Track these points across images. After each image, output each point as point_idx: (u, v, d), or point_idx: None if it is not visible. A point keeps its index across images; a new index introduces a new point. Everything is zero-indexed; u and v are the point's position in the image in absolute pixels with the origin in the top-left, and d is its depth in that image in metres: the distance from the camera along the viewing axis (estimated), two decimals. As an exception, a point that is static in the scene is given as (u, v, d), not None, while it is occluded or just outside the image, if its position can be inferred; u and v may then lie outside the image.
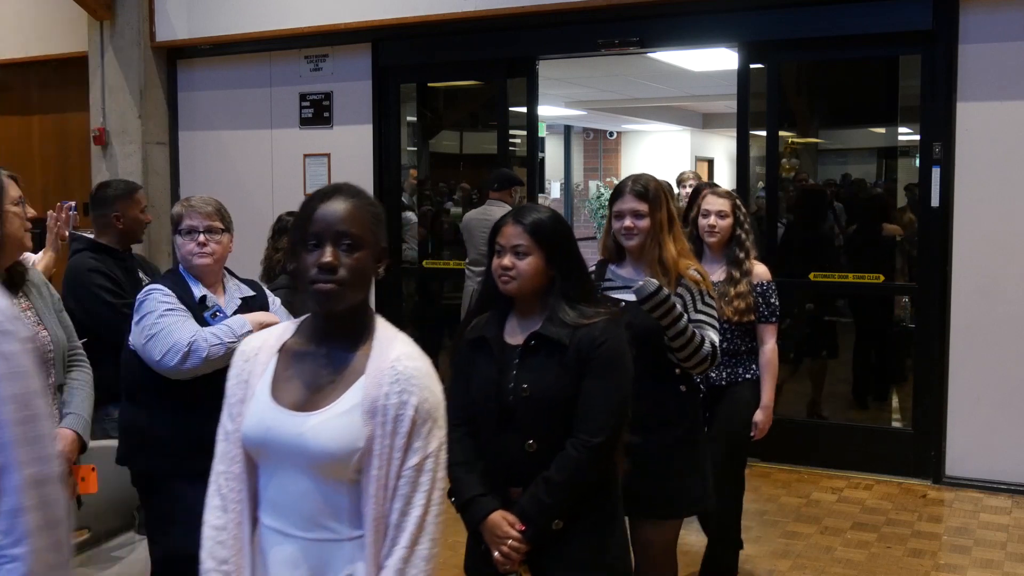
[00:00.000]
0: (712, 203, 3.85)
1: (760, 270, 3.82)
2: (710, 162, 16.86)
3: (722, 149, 16.65)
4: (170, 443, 2.80)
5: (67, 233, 3.94)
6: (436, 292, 7.49)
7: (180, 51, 7.46)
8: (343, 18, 6.68)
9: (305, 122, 7.09)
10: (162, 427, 2.85)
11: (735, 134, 6.09)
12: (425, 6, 6.40)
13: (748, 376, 3.81)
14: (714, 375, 3.74)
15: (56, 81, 8.03)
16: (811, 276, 5.85)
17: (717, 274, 3.79)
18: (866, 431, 5.83)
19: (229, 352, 2.83)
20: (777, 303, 3.82)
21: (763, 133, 5.90)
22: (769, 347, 3.78)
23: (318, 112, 7.03)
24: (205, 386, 2.84)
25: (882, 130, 6.81)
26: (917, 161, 5.54)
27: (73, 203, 4.26)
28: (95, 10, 7.27)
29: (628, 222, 2.93)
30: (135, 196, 3.86)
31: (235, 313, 2.97)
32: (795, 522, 4.84)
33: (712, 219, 3.82)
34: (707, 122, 15.94)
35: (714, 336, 2.89)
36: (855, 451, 5.62)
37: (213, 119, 7.46)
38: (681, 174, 7.09)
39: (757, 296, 3.76)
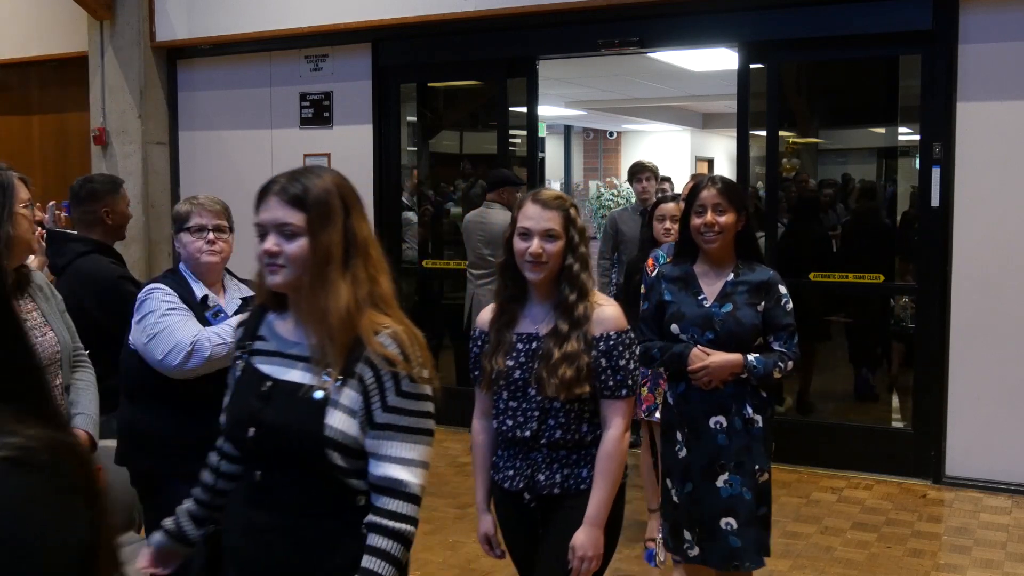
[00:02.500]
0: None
1: (607, 315, 2.49)
2: (710, 162, 16.86)
3: (722, 149, 16.65)
4: (170, 443, 2.80)
5: (44, 232, 3.75)
6: (436, 292, 7.49)
7: (180, 51, 7.46)
8: (343, 18, 6.68)
9: (305, 122, 7.09)
10: (162, 427, 2.85)
11: (735, 134, 6.09)
12: (425, 6, 6.40)
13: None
14: (543, 477, 2.49)
15: (56, 81, 8.03)
16: (811, 276, 5.85)
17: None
18: (866, 431, 5.83)
19: (231, 352, 2.83)
20: (635, 367, 2.53)
21: (763, 133, 5.90)
22: (613, 434, 2.46)
23: (318, 112, 7.03)
24: (206, 386, 2.84)
25: (882, 130, 6.81)
26: (917, 161, 5.54)
27: (53, 203, 4.17)
28: (95, 10, 7.27)
29: (271, 243, 1.90)
30: (121, 190, 3.82)
31: (236, 313, 2.97)
32: (795, 522, 4.84)
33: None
34: (707, 122, 15.94)
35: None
36: (855, 451, 5.62)
37: (213, 119, 7.46)
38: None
39: (599, 357, 2.45)
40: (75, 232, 3.76)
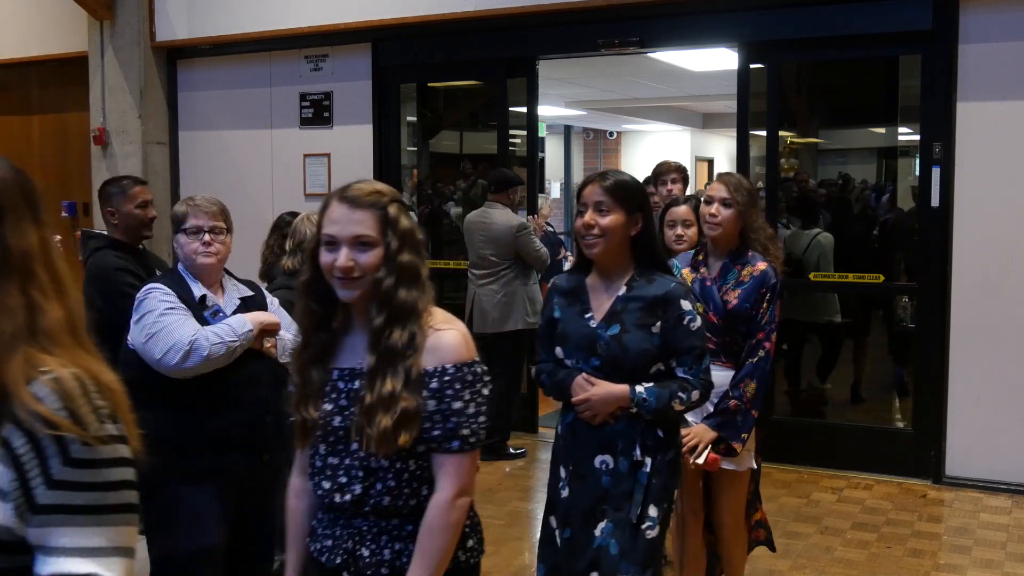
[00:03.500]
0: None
1: (444, 342, 1.95)
2: (710, 162, 16.85)
3: (722, 149, 16.64)
4: (168, 442, 2.79)
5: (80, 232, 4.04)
6: (436, 292, 7.48)
7: (180, 51, 7.46)
8: (343, 18, 6.68)
9: (305, 122, 7.09)
10: (161, 426, 2.83)
11: (735, 134, 6.09)
12: (425, 6, 6.40)
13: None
14: (367, 552, 1.93)
15: (56, 81, 8.03)
16: (811, 276, 5.85)
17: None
18: (866, 431, 5.83)
19: (230, 351, 2.83)
20: (478, 410, 1.92)
21: (763, 133, 5.90)
22: (438, 499, 1.90)
23: (318, 112, 7.03)
24: (205, 385, 2.84)
25: (882, 130, 6.81)
26: (917, 161, 5.54)
27: (58, 237, 4.34)
28: (95, 10, 7.27)
29: None
30: (130, 192, 3.86)
31: (234, 313, 2.97)
32: (795, 522, 4.84)
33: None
34: (707, 122, 15.92)
35: None
36: (855, 451, 5.62)
37: (213, 119, 7.46)
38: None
39: (428, 398, 1.89)
40: (96, 231, 3.98)
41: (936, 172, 5.36)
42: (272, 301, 3.16)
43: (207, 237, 2.93)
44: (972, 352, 5.30)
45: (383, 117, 6.90)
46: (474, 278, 6.06)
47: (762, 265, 3.25)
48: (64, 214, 7.80)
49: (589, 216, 2.58)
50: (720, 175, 3.51)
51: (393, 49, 6.76)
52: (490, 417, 1.98)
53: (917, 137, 5.52)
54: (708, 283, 3.29)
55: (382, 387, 1.85)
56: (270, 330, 2.97)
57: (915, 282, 5.65)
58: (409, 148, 7.37)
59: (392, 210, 1.96)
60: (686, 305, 2.59)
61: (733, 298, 3.23)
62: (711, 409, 3.14)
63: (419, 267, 1.98)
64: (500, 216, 5.88)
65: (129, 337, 2.89)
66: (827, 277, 5.83)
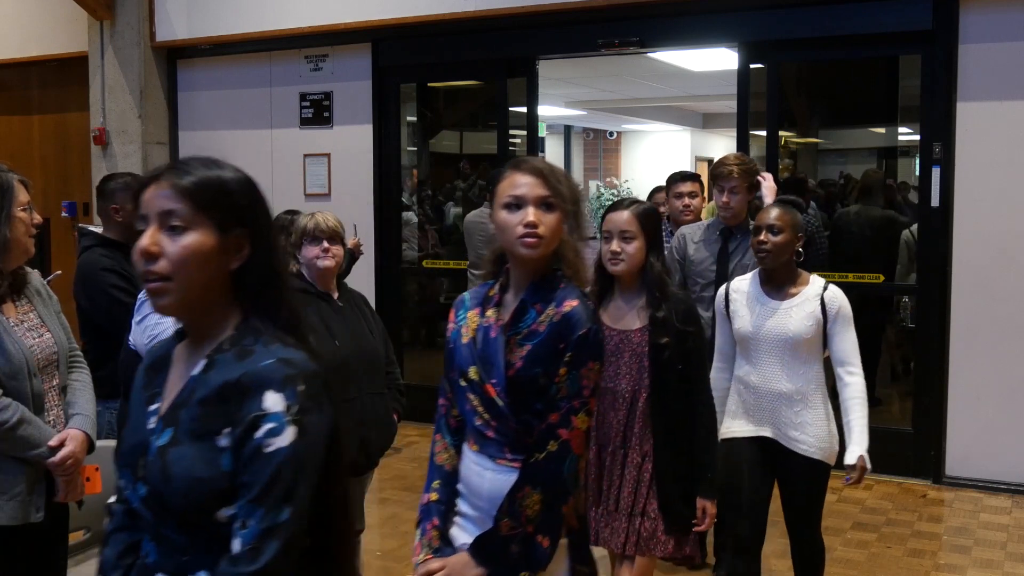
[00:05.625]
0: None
1: None
2: (710, 162, 16.86)
3: (722, 149, 16.65)
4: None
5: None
6: (436, 292, 7.49)
7: (180, 51, 7.47)
8: (343, 18, 6.68)
9: (305, 122, 7.09)
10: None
11: (735, 134, 6.09)
12: (425, 6, 6.40)
13: None
14: None
15: (56, 81, 8.03)
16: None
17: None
18: (866, 431, 5.82)
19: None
20: None
21: (763, 133, 5.90)
22: None
23: (318, 112, 7.04)
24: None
25: (882, 130, 6.81)
26: (917, 161, 5.54)
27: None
28: (95, 10, 7.28)
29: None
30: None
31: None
32: (795, 522, 4.83)
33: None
34: (707, 122, 15.94)
35: None
36: (855, 451, 5.61)
37: (213, 119, 7.46)
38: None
39: None
40: (91, 228, 3.93)
41: (936, 172, 5.36)
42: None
43: None
44: (972, 352, 5.30)
45: (383, 117, 6.90)
46: (473, 278, 6.06)
47: (571, 303, 2.06)
48: (64, 214, 7.80)
49: (148, 240, 1.48)
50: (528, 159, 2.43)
51: (393, 49, 6.77)
52: None
53: (917, 137, 5.52)
54: (493, 333, 2.10)
55: None
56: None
57: (915, 282, 5.65)
58: (409, 148, 7.38)
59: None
60: (272, 402, 1.41)
61: (518, 358, 2.06)
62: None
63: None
64: (500, 216, 5.87)
65: (131, 338, 2.89)
66: (827, 277, 5.81)
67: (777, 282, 3.29)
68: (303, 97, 7.08)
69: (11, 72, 8.15)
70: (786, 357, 3.22)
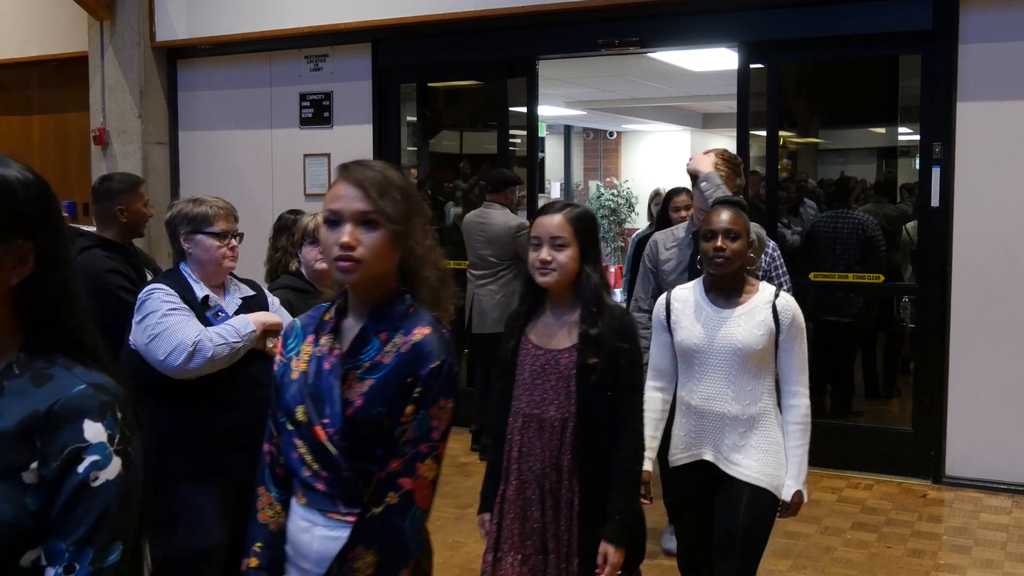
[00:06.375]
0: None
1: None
2: (710, 162, 16.86)
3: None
4: (171, 444, 2.79)
5: None
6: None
7: (180, 51, 7.47)
8: (343, 18, 6.68)
9: (305, 122, 7.09)
10: (163, 427, 2.84)
11: (735, 134, 6.09)
12: (425, 6, 6.40)
13: None
14: None
15: (56, 81, 8.03)
16: (811, 276, 5.85)
17: None
18: (866, 431, 5.83)
19: (233, 352, 2.83)
20: None
21: (763, 133, 5.90)
22: None
23: (318, 112, 7.04)
24: (207, 386, 2.84)
25: (882, 130, 6.82)
26: (917, 161, 5.54)
27: None
28: (95, 10, 7.28)
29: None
30: (138, 189, 3.88)
31: (236, 313, 2.97)
32: (795, 522, 4.82)
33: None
34: (707, 122, 15.92)
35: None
36: (855, 451, 5.62)
37: (213, 119, 7.46)
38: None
39: None
40: (85, 228, 3.94)
41: (936, 172, 5.36)
42: (273, 301, 3.15)
43: (233, 242, 2.95)
44: (972, 352, 5.30)
45: (383, 117, 6.90)
46: (473, 278, 6.06)
47: (422, 331, 1.81)
48: (64, 214, 7.79)
49: None
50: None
51: (393, 49, 6.77)
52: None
53: (917, 137, 5.53)
54: (327, 365, 1.82)
55: None
56: (273, 330, 2.96)
57: (915, 282, 5.65)
58: (409, 148, 7.38)
59: None
60: (93, 433, 1.27)
61: (357, 395, 1.80)
62: None
63: None
64: (499, 216, 5.88)
65: (131, 338, 2.89)
66: (827, 277, 5.83)
67: (724, 289, 2.94)
68: (303, 97, 7.08)
69: (11, 72, 8.15)
70: (733, 372, 2.87)
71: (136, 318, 2.88)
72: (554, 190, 14.78)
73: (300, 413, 1.81)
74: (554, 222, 2.52)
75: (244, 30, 7.06)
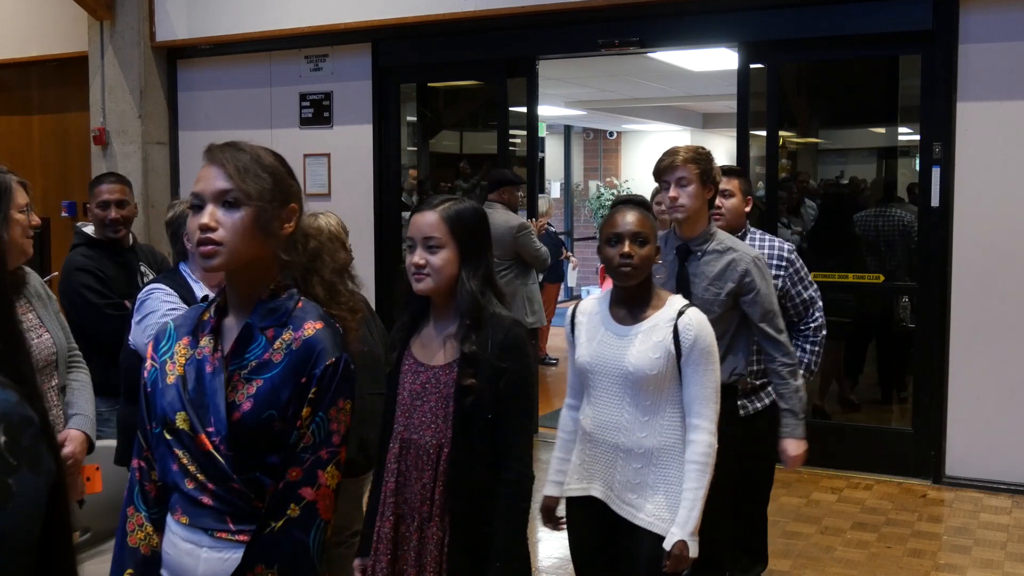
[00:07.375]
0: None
1: None
2: (710, 162, 16.86)
3: (722, 149, 16.64)
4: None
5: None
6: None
7: (180, 51, 7.47)
8: (343, 18, 6.68)
9: (305, 122, 7.09)
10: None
11: (735, 134, 6.09)
12: (425, 6, 6.40)
13: None
14: None
15: (56, 81, 8.03)
16: (811, 276, 5.83)
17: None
18: (866, 431, 5.83)
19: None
20: None
21: (763, 133, 5.90)
22: None
23: (318, 112, 7.04)
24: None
25: (882, 130, 6.81)
26: (917, 161, 5.54)
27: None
28: (95, 10, 7.27)
29: None
30: (94, 190, 3.89)
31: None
32: (795, 522, 4.84)
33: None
34: (707, 122, 15.92)
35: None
36: (855, 451, 5.62)
37: (213, 119, 7.46)
38: None
39: None
40: (85, 228, 3.94)
41: (936, 172, 5.36)
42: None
43: None
44: (972, 352, 5.30)
45: (383, 117, 6.90)
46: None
47: (313, 326, 1.72)
48: (64, 214, 7.80)
49: None
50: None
51: (393, 49, 6.77)
52: None
53: (917, 137, 5.52)
54: (210, 368, 1.72)
55: None
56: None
57: (915, 282, 5.65)
58: (409, 148, 7.38)
59: None
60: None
61: (244, 398, 1.69)
62: None
63: None
64: (499, 216, 5.87)
65: (131, 337, 2.89)
66: (827, 277, 5.82)
67: (630, 303, 2.58)
68: (303, 97, 7.08)
69: (11, 72, 8.15)
70: (627, 398, 2.51)
71: (136, 318, 2.88)
72: (554, 190, 14.78)
73: (180, 421, 1.66)
74: (427, 220, 2.20)
75: (244, 30, 7.06)
